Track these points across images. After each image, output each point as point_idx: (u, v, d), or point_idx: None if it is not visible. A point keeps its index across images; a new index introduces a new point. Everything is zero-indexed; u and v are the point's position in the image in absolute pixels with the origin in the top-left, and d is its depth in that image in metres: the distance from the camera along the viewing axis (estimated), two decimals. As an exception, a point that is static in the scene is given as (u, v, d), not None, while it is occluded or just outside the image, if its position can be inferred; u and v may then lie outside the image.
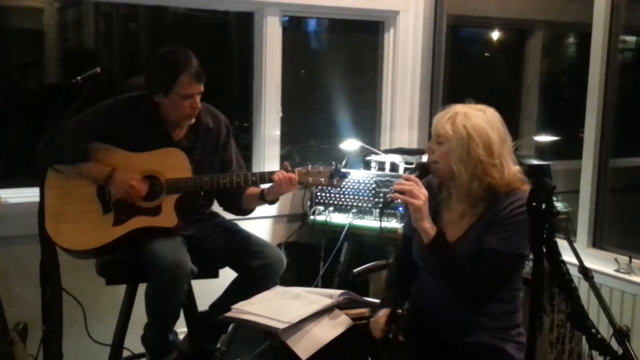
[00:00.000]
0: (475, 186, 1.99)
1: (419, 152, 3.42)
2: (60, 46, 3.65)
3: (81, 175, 2.58)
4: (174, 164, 2.61)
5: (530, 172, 2.08)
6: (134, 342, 2.71)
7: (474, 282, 1.96)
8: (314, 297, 2.25)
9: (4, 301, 2.50)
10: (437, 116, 2.06)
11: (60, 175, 2.57)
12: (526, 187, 1.99)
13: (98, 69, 2.48)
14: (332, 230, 3.28)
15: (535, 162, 3.04)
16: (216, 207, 2.87)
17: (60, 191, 2.56)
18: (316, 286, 3.16)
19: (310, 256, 3.38)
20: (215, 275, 2.75)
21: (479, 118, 2.01)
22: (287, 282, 2.64)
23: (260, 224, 3.41)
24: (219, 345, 2.75)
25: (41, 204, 2.46)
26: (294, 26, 3.79)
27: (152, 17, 3.80)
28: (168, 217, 2.58)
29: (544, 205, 1.96)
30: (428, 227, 2.00)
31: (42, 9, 3.57)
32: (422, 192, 2.01)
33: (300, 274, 3.30)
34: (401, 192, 2.00)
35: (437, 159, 2.04)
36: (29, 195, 2.95)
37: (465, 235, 2.04)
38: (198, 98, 2.60)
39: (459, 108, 2.05)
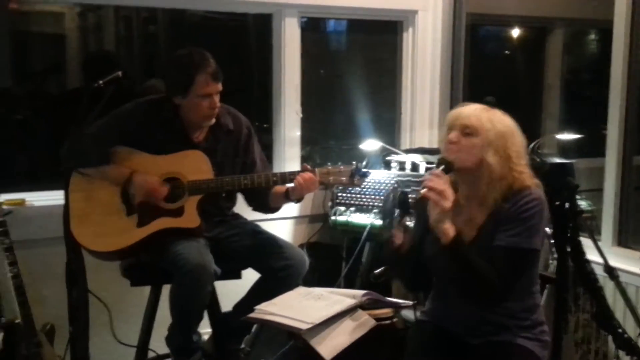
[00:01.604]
0: (499, 183, 1.97)
1: (439, 151, 3.41)
2: (81, 50, 3.70)
3: (104, 178, 2.61)
4: (195, 165, 2.63)
5: (553, 170, 2.06)
6: (159, 343, 2.73)
7: (491, 280, 1.93)
8: (337, 298, 2.25)
9: (31, 303, 2.55)
10: (463, 109, 2.03)
11: (84, 178, 2.60)
12: (535, 185, 1.98)
13: (120, 73, 2.51)
14: (354, 231, 3.28)
15: (557, 160, 3.01)
16: (238, 209, 2.89)
17: (84, 194, 2.60)
18: (338, 287, 3.16)
19: (331, 256, 3.39)
20: (238, 277, 2.76)
21: (506, 115, 2.02)
22: (309, 282, 2.64)
23: (282, 224, 3.42)
24: (243, 345, 2.77)
25: (66, 206, 2.49)
26: (312, 27, 3.80)
27: (171, 19, 3.84)
28: (191, 218, 2.60)
29: (567, 204, 1.96)
30: (448, 228, 1.94)
31: (63, 13, 3.61)
32: (451, 193, 1.95)
33: (322, 274, 3.31)
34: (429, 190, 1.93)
35: (462, 150, 1.98)
36: (53, 198, 3.00)
37: (478, 235, 2.01)
38: (217, 98, 2.62)
39: (480, 105, 2.04)
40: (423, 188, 1.95)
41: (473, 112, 2.01)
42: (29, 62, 3.50)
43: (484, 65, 4.34)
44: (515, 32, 4.52)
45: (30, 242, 2.70)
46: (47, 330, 2.61)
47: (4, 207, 2.61)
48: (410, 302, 2.33)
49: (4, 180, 2.65)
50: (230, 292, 2.78)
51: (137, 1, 3.36)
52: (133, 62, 3.87)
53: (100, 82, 2.47)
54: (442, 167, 2.00)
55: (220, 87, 2.61)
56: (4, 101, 3.14)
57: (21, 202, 2.76)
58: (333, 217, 3.33)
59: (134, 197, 2.59)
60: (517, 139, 2.00)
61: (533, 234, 1.93)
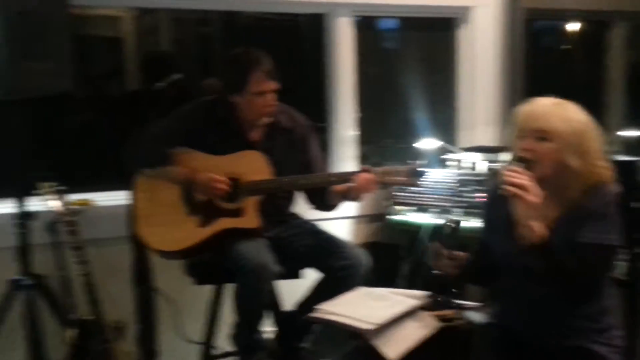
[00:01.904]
0: (578, 180, 1.90)
1: (499, 149, 3.35)
2: (137, 52, 3.77)
3: (165, 179, 2.66)
4: (253, 166, 2.66)
5: (619, 169, 2.00)
6: (223, 340, 2.78)
7: (582, 278, 1.88)
8: (399, 298, 2.24)
9: (100, 300, 2.63)
10: (533, 108, 1.95)
11: (147, 178, 2.66)
12: (612, 178, 1.92)
13: (180, 76, 2.55)
14: (412, 230, 3.27)
15: (623, 158, 2.92)
16: (296, 208, 2.90)
17: (147, 194, 2.65)
18: (398, 287, 3.15)
19: (389, 256, 3.37)
20: (296, 276, 2.78)
21: (578, 109, 1.94)
22: (367, 282, 2.64)
23: (340, 224, 3.42)
24: (305, 344, 2.78)
25: (131, 207, 2.55)
26: (366, 25, 3.79)
27: (224, 20, 3.88)
28: (251, 219, 2.63)
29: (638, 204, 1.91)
30: (537, 224, 1.86)
31: (119, 16, 3.69)
32: (537, 188, 1.87)
33: (381, 274, 3.29)
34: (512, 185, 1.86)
35: (538, 157, 1.91)
36: (116, 198, 3.07)
37: (552, 231, 1.91)
38: (272, 96, 2.64)
39: (550, 101, 1.96)
40: (504, 185, 1.87)
41: (544, 113, 1.92)
42: (89, 66, 3.59)
43: (540, 61, 4.25)
44: (573, 27, 4.41)
45: (96, 241, 2.77)
46: (116, 327, 2.68)
47: (73, 207, 2.70)
48: (475, 304, 2.31)
49: (70, 182, 2.73)
50: (291, 291, 2.80)
51: (192, 3, 3.41)
52: (187, 64, 3.93)
53: (163, 84, 2.52)
54: (521, 164, 1.91)
55: (275, 85, 2.64)
56: (67, 104, 3.23)
57: (86, 203, 2.83)
58: (391, 217, 3.32)
59: (195, 197, 2.63)
60: (594, 132, 1.93)
61: (615, 230, 1.87)
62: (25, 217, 2.61)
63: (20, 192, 2.61)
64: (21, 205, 2.60)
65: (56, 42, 2.50)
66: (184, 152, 2.67)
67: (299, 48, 3.94)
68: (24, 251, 2.61)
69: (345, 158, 3.61)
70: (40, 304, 2.64)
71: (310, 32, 3.81)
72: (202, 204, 2.64)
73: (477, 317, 2.36)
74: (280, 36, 3.84)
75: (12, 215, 2.61)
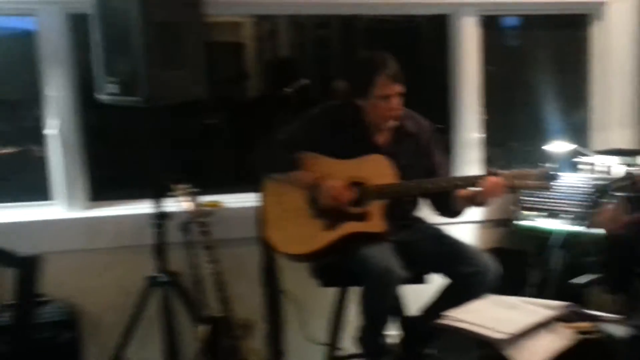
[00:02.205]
0: None
1: (638, 152, 3.15)
2: (258, 57, 3.87)
3: (292, 183, 2.71)
4: (379, 170, 2.66)
5: None
6: (348, 342, 2.79)
7: None
8: (533, 308, 2.16)
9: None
10: None
11: (275, 182, 2.72)
12: None
13: (308, 81, 2.60)
14: (540, 237, 3.13)
15: None
16: (422, 212, 2.87)
17: (275, 198, 2.72)
18: (526, 296, 3.03)
19: (516, 263, 3.25)
20: (421, 281, 2.75)
21: None
22: (495, 290, 2.56)
23: (464, 229, 3.34)
24: (430, 350, 2.74)
25: (260, 210, 2.62)
26: (490, 24, 3.69)
27: (343, 23, 3.89)
28: (377, 223, 2.63)
29: None
30: None
31: (240, 22, 3.81)
32: None
33: (506, 281, 3.19)
34: None
35: None
36: (244, 200, 3.16)
37: None
38: (398, 99, 2.62)
39: None
40: None
41: None
42: (214, 71, 3.72)
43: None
44: None
45: (226, 241, 2.86)
46: (245, 325, 2.77)
47: (205, 208, 2.81)
48: (615, 316, 2.18)
49: (203, 184, 2.84)
50: (416, 296, 2.77)
51: (312, 9, 3.46)
52: (307, 67, 3.98)
53: (290, 89, 2.57)
54: None
55: (400, 88, 2.62)
56: (197, 108, 3.37)
57: (216, 204, 2.94)
58: (518, 222, 3.20)
59: (320, 202, 2.67)
60: None
61: None
62: (161, 217, 2.75)
63: (157, 193, 2.75)
64: (158, 206, 2.74)
65: (191, 51, 2.62)
66: (311, 157, 2.71)
67: (418, 49, 3.89)
68: (160, 249, 2.75)
69: (470, 161, 3.52)
70: (174, 300, 2.77)
71: (431, 33, 3.75)
72: (327, 208, 2.66)
73: (617, 330, 2.22)
74: (400, 38, 3.82)
75: (149, 215, 2.76)
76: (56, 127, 3.06)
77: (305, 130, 2.73)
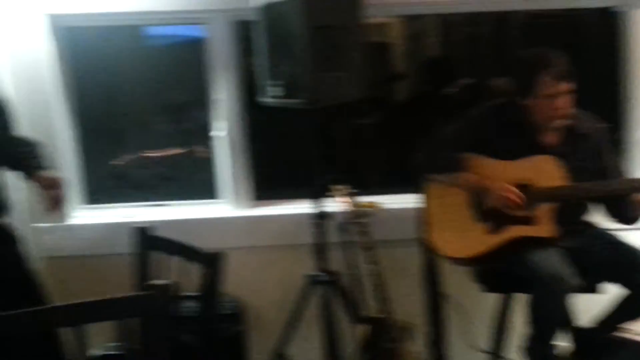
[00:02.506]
0: None
1: None
2: (407, 57, 3.81)
3: (455, 185, 2.64)
4: (546, 171, 2.52)
5: None
6: (514, 351, 2.70)
7: None
8: None
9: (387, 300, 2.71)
10: None
11: (437, 184, 2.67)
12: None
13: (472, 80, 2.52)
14: None
15: None
16: (593, 217, 2.68)
17: (437, 200, 2.67)
18: None
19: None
20: (594, 291, 2.57)
21: None
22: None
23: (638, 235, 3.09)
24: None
25: (421, 212, 2.58)
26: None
27: (497, 19, 3.73)
28: (545, 227, 2.50)
29: None
30: None
31: (387, 22, 3.77)
32: None
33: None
34: None
35: None
36: (402, 201, 3.13)
37: None
38: (566, 98, 2.47)
39: None
40: None
41: None
42: (373, 71, 3.71)
43: None
44: None
45: (385, 242, 2.85)
46: (404, 327, 2.74)
47: (363, 209, 2.82)
48: None
49: (359, 185, 2.85)
50: (587, 306, 2.61)
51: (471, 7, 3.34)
52: (459, 66, 3.87)
53: (451, 89, 2.51)
54: None
55: (568, 86, 2.46)
56: (353, 109, 3.39)
57: (374, 205, 2.94)
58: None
59: (486, 204, 2.57)
60: None
61: None
62: (321, 217, 2.79)
63: (317, 193, 2.79)
64: (317, 205, 2.79)
65: (350, 53, 2.63)
66: (473, 158, 2.63)
67: (580, 45, 3.64)
68: (320, 249, 2.79)
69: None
70: (334, 300, 2.80)
71: (594, 28, 3.50)
72: (491, 211, 2.57)
73: None
74: (558, 33, 3.60)
75: (310, 215, 2.81)
76: (223, 129, 3.21)
77: (469, 131, 2.65)
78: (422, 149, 2.65)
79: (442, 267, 2.77)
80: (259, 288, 3.20)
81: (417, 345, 2.77)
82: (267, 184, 3.38)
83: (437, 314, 2.59)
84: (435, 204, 2.66)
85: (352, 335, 2.76)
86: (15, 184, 2.60)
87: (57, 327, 1.61)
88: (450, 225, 2.62)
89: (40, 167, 2.40)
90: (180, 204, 3.36)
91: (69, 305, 1.55)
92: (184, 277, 2.20)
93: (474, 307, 2.92)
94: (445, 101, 2.87)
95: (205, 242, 2.27)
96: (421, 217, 2.67)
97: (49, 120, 3.12)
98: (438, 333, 2.60)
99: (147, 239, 2.45)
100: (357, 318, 2.74)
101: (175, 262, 2.32)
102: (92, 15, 3.05)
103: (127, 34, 3.42)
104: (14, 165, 2.44)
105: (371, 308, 2.77)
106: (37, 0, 2.98)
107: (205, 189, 3.36)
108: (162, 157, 3.61)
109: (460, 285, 2.80)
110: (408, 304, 2.85)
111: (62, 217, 3.11)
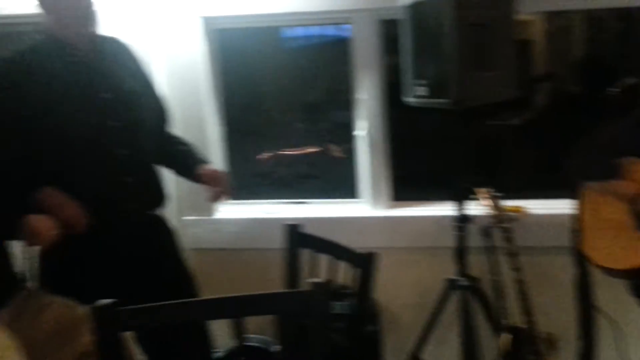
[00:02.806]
0: None
1: None
2: (550, 54, 3.63)
3: (610, 192, 2.48)
4: None
5: None
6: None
7: None
8: None
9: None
10: None
11: (592, 190, 2.52)
12: None
13: (636, 80, 2.35)
14: None
15: None
16: None
17: (593, 207, 2.51)
18: None
19: None
20: None
21: None
22: None
23: None
24: None
25: (575, 219, 2.44)
26: None
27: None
28: None
29: None
30: None
31: (530, 20, 3.61)
32: None
33: None
34: None
35: None
36: (551, 207, 3.00)
37: None
38: None
39: None
40: None
41: None
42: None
43: None
44: None
45: (530, 249, 2.74)
46: (549, 339, 2.62)
47: (508, 213, 2.72)
48: None
49: (504, 188, 2.75)
50: None
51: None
52: (612, 65, 3.63)
53: (615, 89, 2.36)
54: None
55: None
56: (500, 109, 3.28)
57: (519, 210, 2.83)
58: None
59: (645, 213, 2.40)
60: None
61: None
62: (463, 220, 2.71)
63: (460, 196, 2.72)
64: (460, 208, 2.72)
65: (502, 51, 2.54)
66: (632, 163, 2.45)
67: None
68: (461, 253, 2.72)
69: None
70: (474, 306, 2.72)
71: None
72: (652, 219, 2.38)
73: None
74: None
75: (450, 218, 2.74)
76: (365, 128, 3.22)
77: (631, 134, 2.48)
78: (577, 153, 2.51)
79: (596, 278, 2.61)
80: (395, 289, 3.17)
81: (561, 359, 2.64)
82: (407, 184, 3.34)
83: (589, 328, 2.44)
84: (591, 211, 2.50)
85: (491, 343, 2.67)
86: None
87: (216, 319, 1.66)
88: (607, 235, 2.46)
89: (203, 161, 2.49)
90: (319, 202, 3.40)
91: (231, 298, 1.59)
92: (331, 275, 2.21)
93: (630, 323, 2.75)
94: (609, 102, 2.69)
95: (343, 241, 2.27)
96: (575, 224, 2.53)
97: (200, 121, 3.25)
98: (589, 348, 2.45)
99: (297, 236, 2.49)
100: (498, 326, 2.65)
101: (322, 260, 2.34)
102: (243, 17, 3.15)
103: (269, 35, 3.52)
104: (170, 163, 2.55)
105: (513, 317, 2.66)
106: (192, 3, 3.12)
107: (342, 188, 3.38)
108: (299, 155, 3.68)
109: (615, 298, 2.62)
110: (553, 314, 2.72)
111: (209, 211, 3.25)
